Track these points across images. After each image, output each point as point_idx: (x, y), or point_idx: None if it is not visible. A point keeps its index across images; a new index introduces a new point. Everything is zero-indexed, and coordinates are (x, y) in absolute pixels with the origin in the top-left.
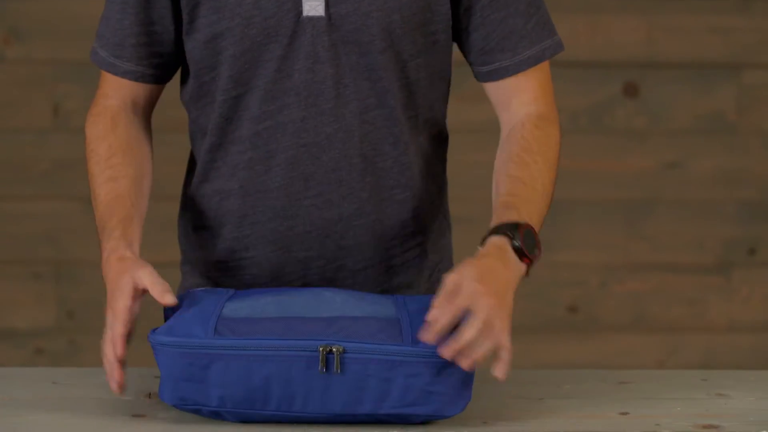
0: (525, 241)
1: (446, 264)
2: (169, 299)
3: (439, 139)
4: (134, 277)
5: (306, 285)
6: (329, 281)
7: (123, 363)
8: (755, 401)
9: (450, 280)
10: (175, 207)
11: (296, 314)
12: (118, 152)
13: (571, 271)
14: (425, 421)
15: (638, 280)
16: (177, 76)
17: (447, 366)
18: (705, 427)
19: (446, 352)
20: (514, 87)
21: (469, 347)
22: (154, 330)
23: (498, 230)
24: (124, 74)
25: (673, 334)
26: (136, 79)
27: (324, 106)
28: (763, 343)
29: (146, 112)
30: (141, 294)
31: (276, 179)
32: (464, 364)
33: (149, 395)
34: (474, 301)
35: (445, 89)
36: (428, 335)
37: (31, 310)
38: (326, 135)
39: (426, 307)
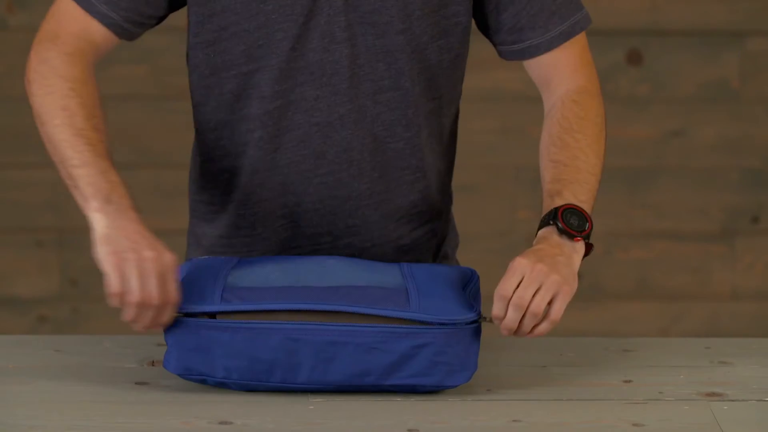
0: (567, 222)
1: (452, 236)
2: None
3: (456, 117)
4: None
5: None
6: None
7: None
8: (758, 369)
9: (515, 263)
10: (180, 174)
11: (301, 283)
12: (98, 104)
13: None
14: (430, 391)
15: (642, 248)
16: (181, 52)
17: (453, 336)
18: (708, 394)
19: (508, 318)
20: (550, 64)
21: (530, 316)
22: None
23: (541, 224)
24: (99, 16)
25: (676, 302)
26: (107, 26)
27: (338, 86)
28: (766, 311)
29: (96, 62)
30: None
31: (286, 157)
32: (515, 332)
33: (152, 362)
34: (541, 279)
35: (464, 70)
36: (499, 310)
37: (34, 277)
38: (339, 115)
39: (432, 276)
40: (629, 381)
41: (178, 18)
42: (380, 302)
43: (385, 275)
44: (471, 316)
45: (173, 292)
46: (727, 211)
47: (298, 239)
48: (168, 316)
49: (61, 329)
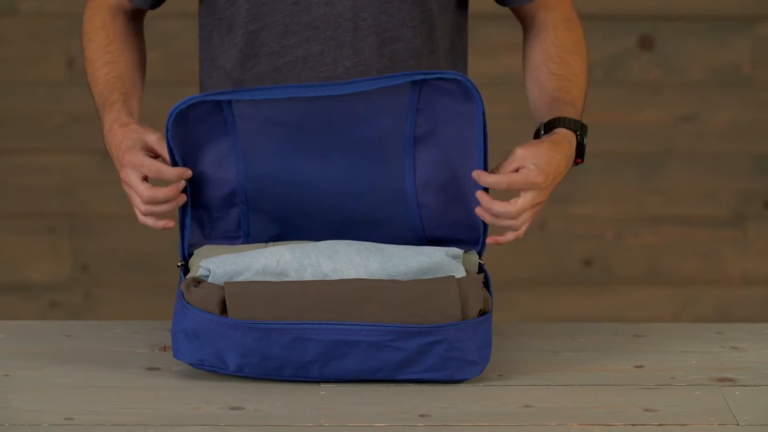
0: (583, 141)
1: None
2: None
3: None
4: (143, 137)
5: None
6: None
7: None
8: None
9: (519, 155)
10: None
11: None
12: (116, 40)
13: (585, 224)
14: None
15: (653, 233)
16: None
17: (465, 332)
18: (719, 380)
19: (485, 214)
20: (538, 3)
21: (500, 221)
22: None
23: (567, 123)
24: None
25: (687, 287)
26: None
27: (342, 39)
28: None
29: (141, 19)
30: (152, 154)
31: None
32: (486, 218)
33: (164, 348)
34: (529, 189)
35: (461, 27)
36: (481, 178)
37: (46, 263)
38: (345, 68)
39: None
40: (640, 366)
41: (191, 3)
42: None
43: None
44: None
45: (166, 173)
46: (738, 196)
47: None
48: (175, 191)
49: (73, 315)
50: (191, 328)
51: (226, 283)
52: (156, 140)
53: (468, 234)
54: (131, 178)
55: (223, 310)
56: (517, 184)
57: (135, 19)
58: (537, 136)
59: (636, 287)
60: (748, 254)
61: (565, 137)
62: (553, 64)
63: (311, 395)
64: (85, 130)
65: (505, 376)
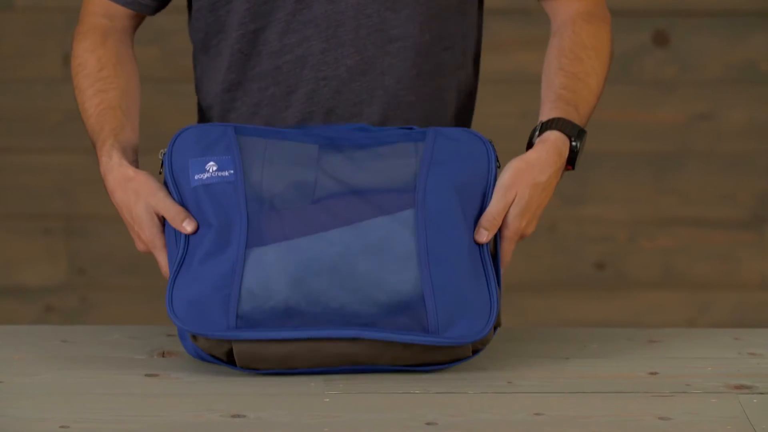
0: (580, 148)
1: None
2: (190, 228)
3: (473, 76)
4: (148, 205)
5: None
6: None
7: None
8: None
9: (525, 190)
10: None
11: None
12: (108, 65)
13: (598, 226)
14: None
15: (667, 236)
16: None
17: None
18: (736, 387)
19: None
20: None
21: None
22: (170, 298)
23: (563, 126)
24: (121, 2)
25: (703, 291)
26: (131, 7)
27: (344, 38)
28: None
29: (132, 36)
30: (161, 217)
31: (295, 114)
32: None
33: (163, 353)
34: (525, 222)
35: (476, 19)
36: (481, 236)
37: (42, 266)
38: (347, 68)
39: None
40: (655, 373)
41: None
42: (396, 322)
43: (403, 276)
44: (484, 332)
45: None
46: (756, 197)
47: None
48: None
49: (69, 319)
50: (196, 352)
51: (234, 343)
52: (161, 200)
53: None
54: (160, 260)
55: (231, 357)
56: (510, 243)
57: (127, 37)
58: (531, 135)
59: (650, 291)
60: (766, 257)
61: (555, 144)
62: (565, 59)
63: (315, 402)
64: (83, 129)
65: (514, 384)
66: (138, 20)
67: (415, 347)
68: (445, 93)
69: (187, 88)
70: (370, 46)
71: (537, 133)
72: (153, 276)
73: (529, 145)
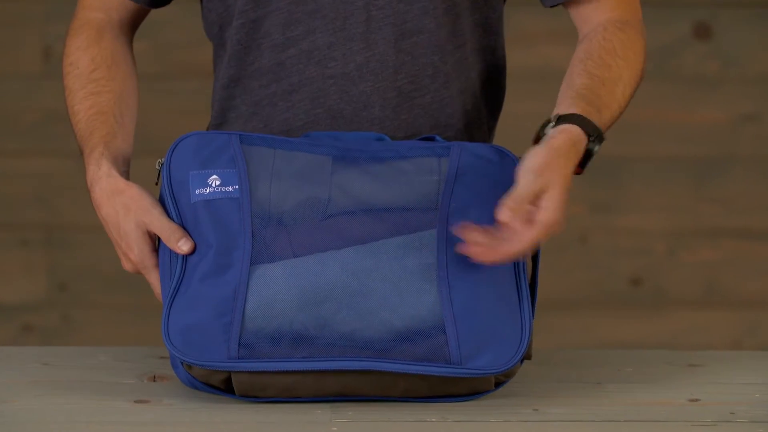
0: (595, 151)
1: None
2: (186, 248)
3: (492, 80)
4: (140, 223)
5: None
6: None
7: None
8: None
9: (538, 170)
10: None
11: (325, 323)
12: (102, 66)
13: (633, 238)
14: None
15: (710, 248)
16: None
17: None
18: None
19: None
20: (592, 3)
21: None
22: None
23: (581, 122)
24: None
25: (750, 309)
26: None
27: (353, 31)
28: None
29: (131, 33)
30: (153, 237)
31: (299, 117)
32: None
33: (153, 377)
34: (544, 231)
35: (496, 14)
36: (504, 214)
37: (19, 281)
38: (356, 65)
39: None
40: (696, 400)
41: None
42: (412, 348)
43: (420, 292)
44: (511, 363)
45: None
46: None
47: None
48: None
49: (49, 339)
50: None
51: (233, 372)
52: (155, 218)
53: None
54: (152, 281)
55: (229, 385)
56: (539, 238)
57: (125, 34)
58: (543, 126)
59: (691, 310)
60: None
61: (573, 138)
62: (591, 62)
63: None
64: (64, 130)
65: (541, 411)
66: (138, 15)
67: (432, 379)
68: (464, 96)
69: (180, 85)
70: (381, 41)
71: (552, 124)
72: (142, 293)
73: (537, 138)
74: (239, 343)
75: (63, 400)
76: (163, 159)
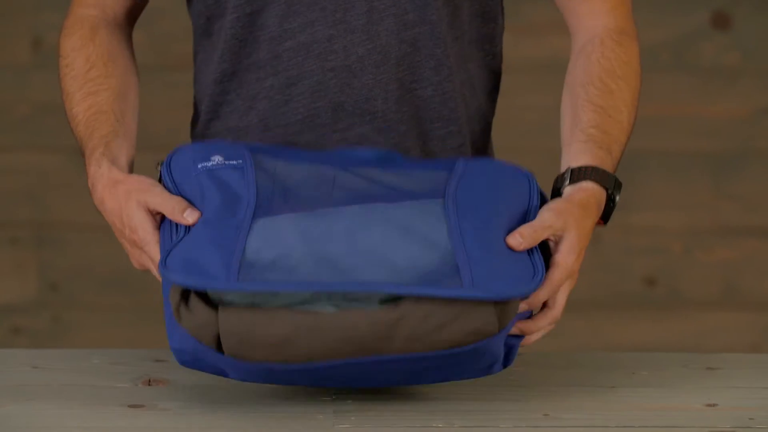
0: (615, 202)
1: None
2: (192, 218)
3: (490, 71)
4: (141, 201)
5: None
6: None
7: None
8: None
9: (548, 221)
10: None
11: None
12: (98, 64)
13: (648, 236)
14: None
15: (728, 247)
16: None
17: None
18: None
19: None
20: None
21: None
22: (164, 259)
23: (599, 177)
24: None
25: None
26: None
27: (354, 23)
28: None
29: (128, 27)
30: (156, 217)
31: (299, 110)
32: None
33: (148, 381)
34: (575, 260)
35: (493, 6)
36: (515, 239)
37: (8, 280)
38: (357, 57)
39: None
40: (714, 405)
41: None
42: (428, 279)
43: (428, 234)
44: (530, 288)
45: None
46: None
47: None
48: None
49: (40, 342)
50: (187, 349)
51: (220, 317)
52: (156, 194)
53: None
54: (153, 256)
55: (219, 345)
56: (559, 282)
57: (122, 28)
58: (559, 182)
59: (708, 311)
60: None
61: (594, 196)
62: (594, 89)
63: None
64: (56, 124)
65: (552, 416)
66: (134, 7)
67: (434, 319)
68: (464, 88)
69: (178, 77)
70: (383, 33)
71: (567, 181)
72: (137, 293)
73: (555, 191)
74: (239, 269)
75: (54, 405)
76: (163, 159)
